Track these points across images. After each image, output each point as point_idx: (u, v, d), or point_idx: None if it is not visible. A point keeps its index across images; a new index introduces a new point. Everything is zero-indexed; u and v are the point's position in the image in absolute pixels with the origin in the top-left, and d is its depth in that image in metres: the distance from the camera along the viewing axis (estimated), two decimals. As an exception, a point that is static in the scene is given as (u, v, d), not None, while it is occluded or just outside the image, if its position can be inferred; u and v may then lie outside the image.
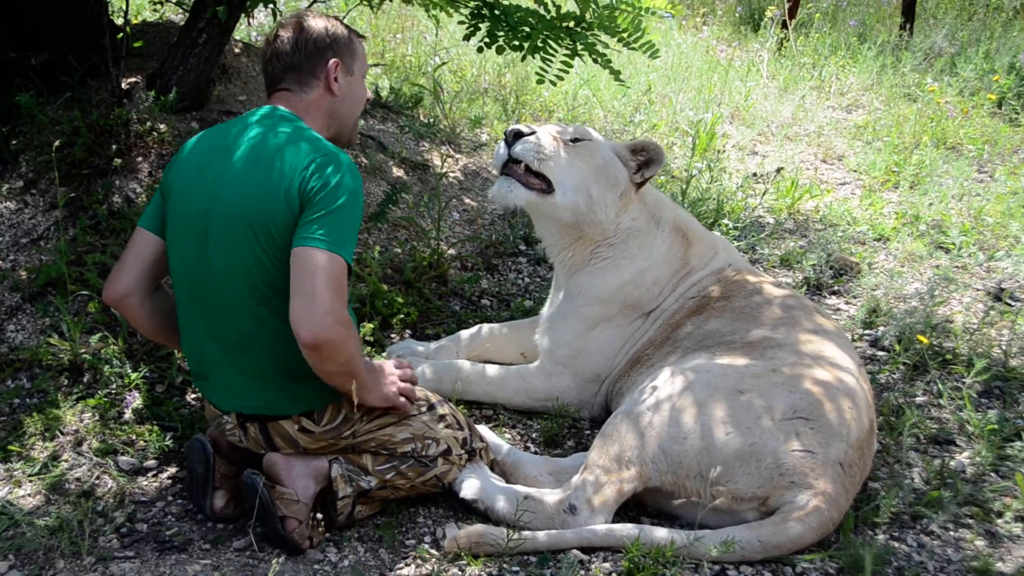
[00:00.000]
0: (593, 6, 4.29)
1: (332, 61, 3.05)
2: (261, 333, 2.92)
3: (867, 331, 4.64)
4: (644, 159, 3.82)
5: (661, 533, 3.00)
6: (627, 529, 3.02)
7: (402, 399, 3.12)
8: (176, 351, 3.78)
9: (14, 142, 4.46)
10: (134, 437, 3.52)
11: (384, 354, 4.08)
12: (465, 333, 4.17)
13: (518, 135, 3.69)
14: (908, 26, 9.90)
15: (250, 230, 2.83)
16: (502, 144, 3.73)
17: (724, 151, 6.82)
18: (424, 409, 3.25)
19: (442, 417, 3.27)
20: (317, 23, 3.06)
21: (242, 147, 2.92)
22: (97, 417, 3.54)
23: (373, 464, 3.14)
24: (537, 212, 3.88)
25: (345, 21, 3.15)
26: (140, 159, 4.45)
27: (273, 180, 2.83)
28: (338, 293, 2.76)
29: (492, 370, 3.90)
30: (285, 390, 2.98)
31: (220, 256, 2.88)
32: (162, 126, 4.54)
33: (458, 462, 3.27)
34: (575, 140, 3.78)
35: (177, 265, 3.02)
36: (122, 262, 3.12)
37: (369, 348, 4.09)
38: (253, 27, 6.86)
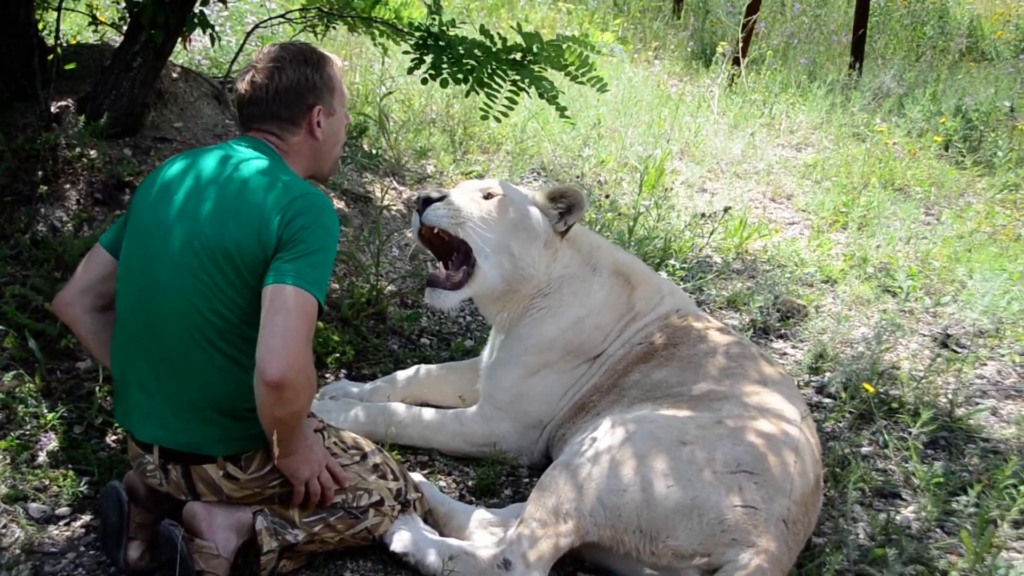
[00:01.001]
0: (538, 44, 4.21)
1: (315, 109, 2.95)
2: (199, 362, 2.77)
3: (813, 377, 4.57)
4: (565, 206, 3.74)
5: (598, 592, 2.88)
6: (563, 587, 2.90)
7: (312, 487, 2.93)
8: (97, 389, 3.62)
9: (-67, 165, 4.25)
10: (47, 482, 3.32)
11: (318, 395, 3.93)
12: (402, 374, 4.03)
13: (427, 201, 3.60)
14: (857, 65, 9.98)
15: (213, 256, 2.72)
16: (415, 213, 3.64)
17: (673, 188, 6.77)
18: (357, 459, 3.11)
19: (375, 467, 3.14)
20: (295, 68, 2.93)
21: (221, 174, 2.81)
22: (8, 460, 3.34)
23: (300, 516, 2.99)
24: (472, 298, 3.81)
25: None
26: (68, 186, 4.27)
27: (250, 214, 2.72)
28: (308, 337, 2.64)
29: (428, 414, 3.76)
30: (214, 427, 2.81)
31: (173, 274, 2.76)
32: (92, 152, 4.36)
33: (390, 513, 3.13)
34: (487, 196, 3.69)
35: (125, 276, 2.90)
36: (74, 275, 3.07)
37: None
38: (191, 51, 6.69)
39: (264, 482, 2.91)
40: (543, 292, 3.74)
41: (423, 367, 4.06)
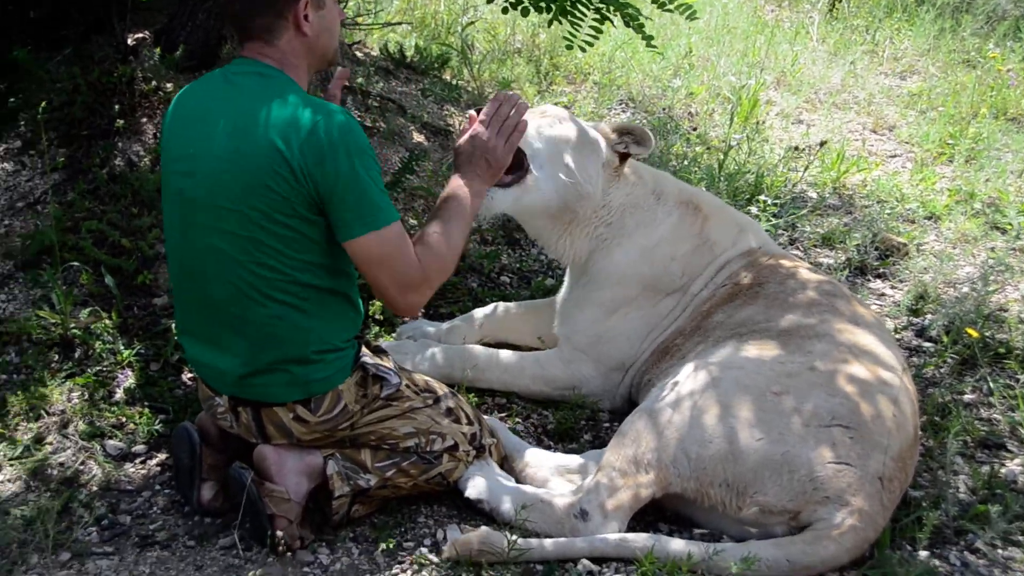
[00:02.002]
0: (625, -36, 4.01)
1: (301, 0, 2.72)
2: (255, 315, 2.69)
3: (913, 319, 4.33)
4: (631, 139, 3.53)
5: (678, 545, 2.75)
6: (641, 539, 2.78)
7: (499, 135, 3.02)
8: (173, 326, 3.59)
9: (12, 100, 4.23)
10: (123, 419, 3.31)
11: (394, 335, 3.85)
12: (479, 312, 3.91)
13: None
14: (969, -13, 9.42)
15: (241, 210, 2.60)
16: None
17: (766, 120, 6.47)
18: (430, 402, 3.02)
19: (449, 411, 3.04)
20: None
21: (223, 111, 2.66)
22: (86, 397, 3.34)
23: (372, 460, 2.92)
24: (523, 209, 3.57)
25: None
26: (144, 120, 4.23)
27: (261, 152, 2.57)
28: (402, 261, 2.68)
29: (507, 356, 3.64)
30: (281, 374, 2.74)
31: (209, 235, 2.66)
32: (169, 85, 4.30)
33: (465, 459, 3.04)
34: (544, 116, 3.53)
35: (168, 234, 2.83)
36: None
37: (377, 328, 3.86)
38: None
39: (334, 424, 2.84)
40: (604, 220, 3.57)
41: (501, 305, 3.94)
